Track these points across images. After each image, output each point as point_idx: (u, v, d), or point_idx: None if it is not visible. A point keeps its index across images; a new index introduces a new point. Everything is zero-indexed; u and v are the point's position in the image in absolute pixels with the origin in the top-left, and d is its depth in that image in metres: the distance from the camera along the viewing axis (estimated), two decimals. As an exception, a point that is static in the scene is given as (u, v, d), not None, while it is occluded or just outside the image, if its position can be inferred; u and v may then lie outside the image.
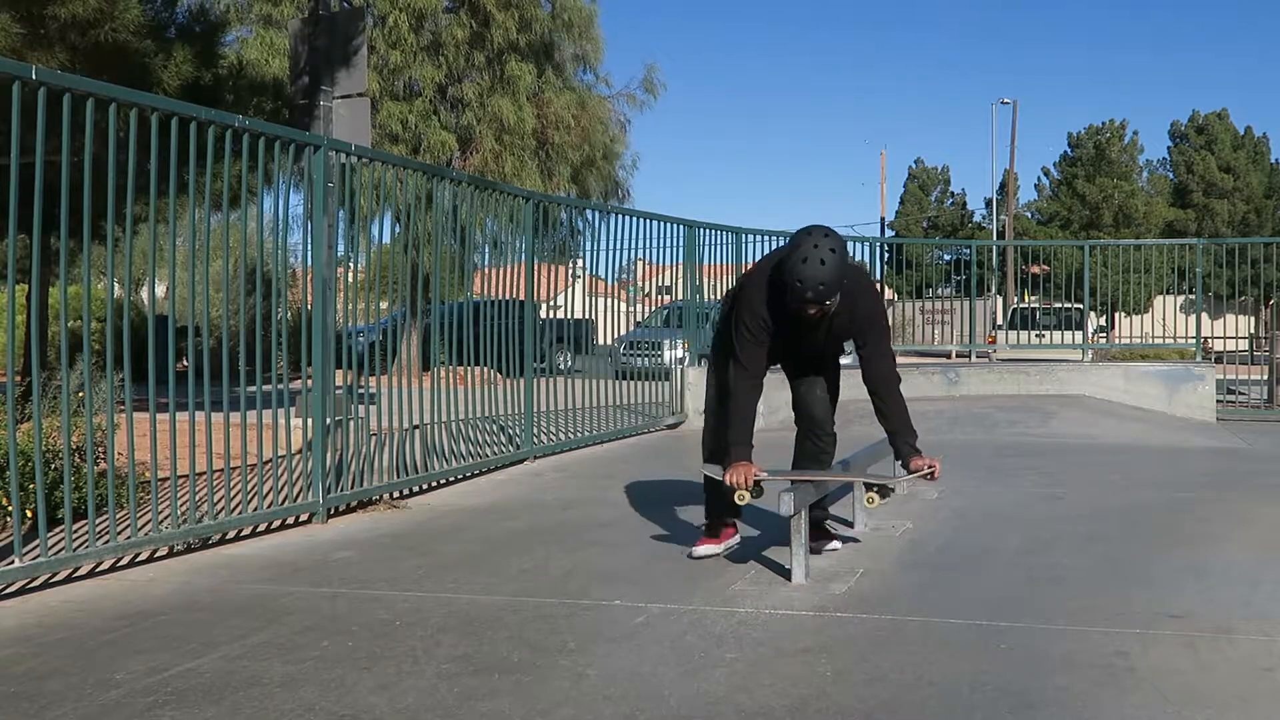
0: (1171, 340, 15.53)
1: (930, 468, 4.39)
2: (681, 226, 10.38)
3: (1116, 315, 22.25)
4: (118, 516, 4.68)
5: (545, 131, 19.29)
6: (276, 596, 4.08)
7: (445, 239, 7.16)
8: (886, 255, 25.64)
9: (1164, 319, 16.72)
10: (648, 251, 10.51)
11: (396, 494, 6.23)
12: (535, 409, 8.14)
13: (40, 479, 4.11)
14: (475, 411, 7.42)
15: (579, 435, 8.80)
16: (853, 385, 12.72)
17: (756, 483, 4.31)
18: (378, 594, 4.12)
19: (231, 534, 5.12)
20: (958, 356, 16.69)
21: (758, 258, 11.78)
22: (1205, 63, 75.00)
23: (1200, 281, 13.07)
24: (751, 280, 4.54)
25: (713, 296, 11.34)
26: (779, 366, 4.91)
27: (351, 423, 5.96)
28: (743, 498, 4.31)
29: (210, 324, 5.15)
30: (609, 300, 11.25)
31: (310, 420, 5.63)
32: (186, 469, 4.90)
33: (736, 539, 4.88)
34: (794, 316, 4.31)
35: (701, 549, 4.75)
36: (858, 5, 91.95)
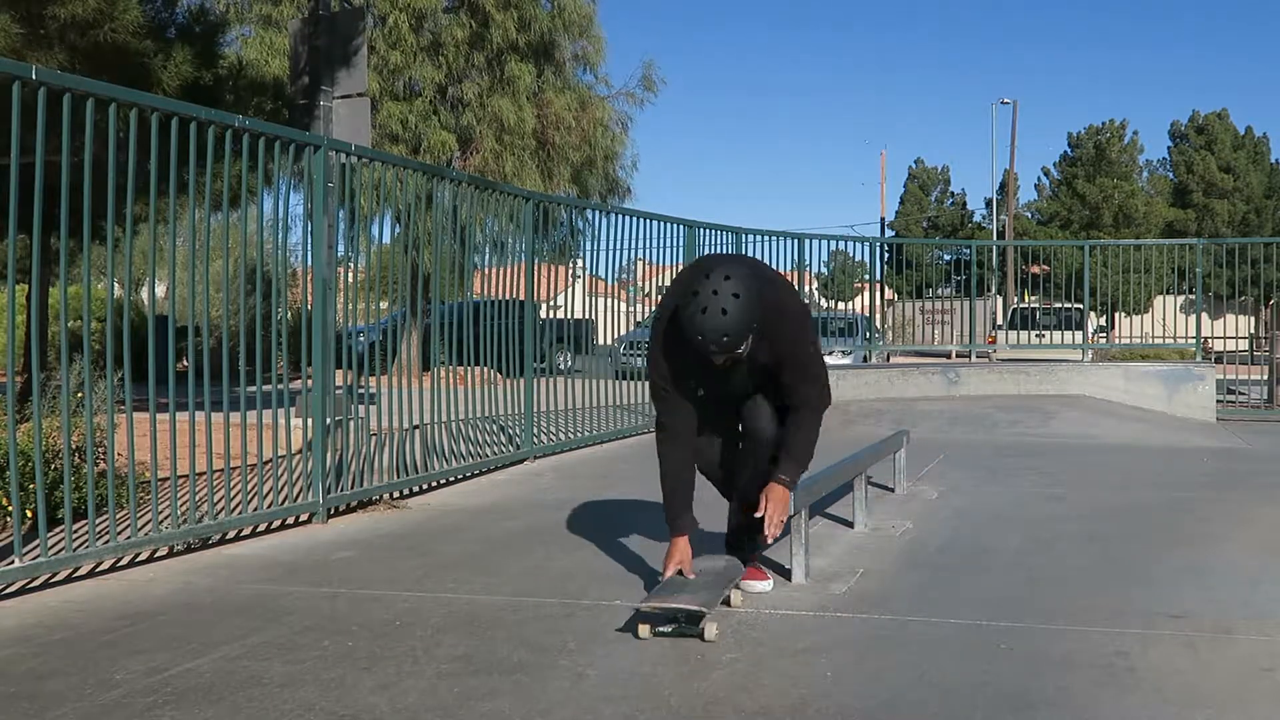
0: (1171, 340, 15.54)
1: (770, 518, 3.83)
2: (681, 226, 10.38)
3: (1116, 315, 22.25)
4: (118, 516, 4.68)
5: (545, 131, 19.29)
6: (276, 596, 4.08)
7: (445, 239, 7.16)
8: (886, 255, 25.66)
9: (1164, 319, 16.72)
10: (648, 251, 10.51)
11: (396, 494, 6.23)
12: (535, 409, 8.14)
13: (40, 479, 4.11)
14: (475, 411, 7.42)
15: (579, 435, 8.80)
16: (853, 384, 12.63)
17: None
18: (378, 594, 4.12)
19: (231, 534, 5.12)
20: (958, 356, 16.68)
21: (758, 258, 11.86)
22: (1205, 63, 75.09)
23: (1200, 281, 13.07)
24: (654, 326, 3.97)
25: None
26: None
27: (351, 423, 5.96)
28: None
29: (210, 324, 5.15)
30: (609, 300, 11.26)
31: (310, 420, 5.63)
32: (186, 469, 4.90)
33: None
34: (708, 360, 3.73)
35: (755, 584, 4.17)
36: (858, 5, 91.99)
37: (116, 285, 18.56)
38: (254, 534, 5.24)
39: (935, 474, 7.31)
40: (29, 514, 4.25)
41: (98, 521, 4.40)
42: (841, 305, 19.65)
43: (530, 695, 3.02)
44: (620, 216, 9.72)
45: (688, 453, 3.96)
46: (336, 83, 8.36)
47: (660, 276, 11.91)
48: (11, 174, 4.46)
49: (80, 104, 4.24)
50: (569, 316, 12.91)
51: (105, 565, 4.50)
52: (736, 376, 3.95)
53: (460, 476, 7.01)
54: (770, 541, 3.95)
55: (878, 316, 14.06)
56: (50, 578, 4.25)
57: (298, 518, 5.51)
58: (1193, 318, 13.38)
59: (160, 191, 4.67)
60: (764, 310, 3.66)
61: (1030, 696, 3.02)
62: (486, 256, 8.59)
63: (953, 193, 51.38)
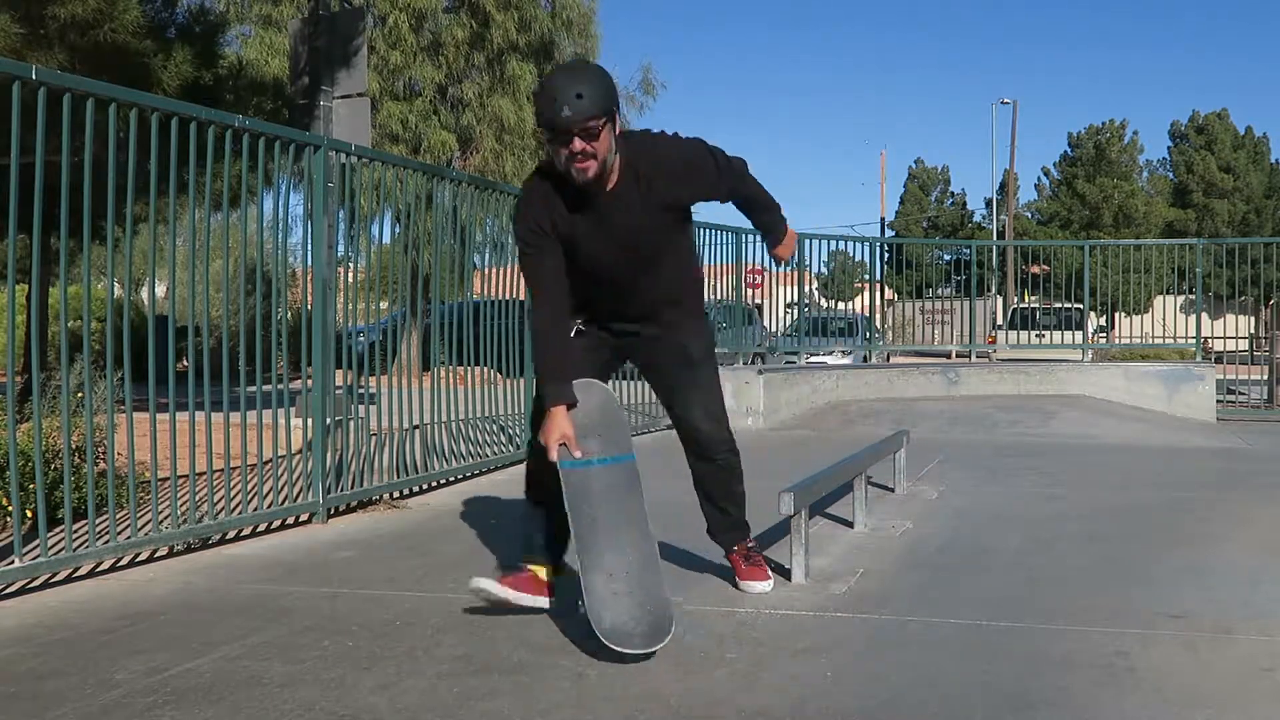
0: (1171, 340, 15.54)
1: (787, 251, 4.01)
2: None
3: (1116, 315, 22.24)
4: (118, 516, 4.68)
5: (545, 132, 19.27)
6: (276, 596, 4.08)
7: (445, 239, 7.16)
8: (886, 255, 25.65)
9: (1164, 319, 16.71)
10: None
11: (396, 494, 6.23)
12: (535, 409, 8.12)
13: (40, 479, 4.11)
14: (475, 411, 7.42)
15: (579, 435, 8.78)
16: (853, 384, 12.60)
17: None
18: (378, 594, 4.12)
19: (231, 534, 5.12)
20: (958, 356, 16.67)
21: (758, 258, 11.89)
22: (1205, 63, 75.22)
23: (1200, 281, 13.07)
24: (525, 183, 3.70)
25: (713, 296, 11.34)
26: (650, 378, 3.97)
27: (351, 423, 5.96)
28: (560, 457, 3.44)
29: (210, 324, 5.15)
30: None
31: (310, 420, 5.63)
32: (186, 469, 4.90)
33: (545, 600, 3.74)
34: (585, 204, 3.46)
35: (489, 584, 3.70)
36: (858, 5, 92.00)
37: (116, 285, 18.56)
38: (254, 534, 5.24)
39: (935, 474, 7.31)
40: (29, 514, 4.25)
41: (98, 521, 4.40)
42: (841, 305, 19.66)
43: (530, 695, 3.02)
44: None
45: (565, 316, 3.62)
46: (336, 83, 8.37)
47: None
48: (11, 174, 4.46)
49: (80, 104, 4.24)
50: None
51: (105, 565, 4.50)
52: (632, 234, 3.56)
53: (460, 476, 7.01)
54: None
55: (878, 316, 14.06)
56: (50, 578, 4.25)
57: (298, 518, 5.51)
58: (1193, 318, 13.38)
59: (160, 191, 4.66)
60: (645, 138, 3.59)
61: (1030, 696, 3.02)
62: (486, 256, 8.58)
63: (953, 193, 51.44)
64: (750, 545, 4.15)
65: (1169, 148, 47.08)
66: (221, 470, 5.89)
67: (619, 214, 3.52)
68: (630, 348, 3.88)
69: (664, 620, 3.33)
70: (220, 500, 5.33)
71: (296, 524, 5.46)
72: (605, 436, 3.51)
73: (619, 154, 3.48)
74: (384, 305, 12.41)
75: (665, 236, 3.65)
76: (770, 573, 4.18)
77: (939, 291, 20.40)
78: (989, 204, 46.47)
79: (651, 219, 3.58)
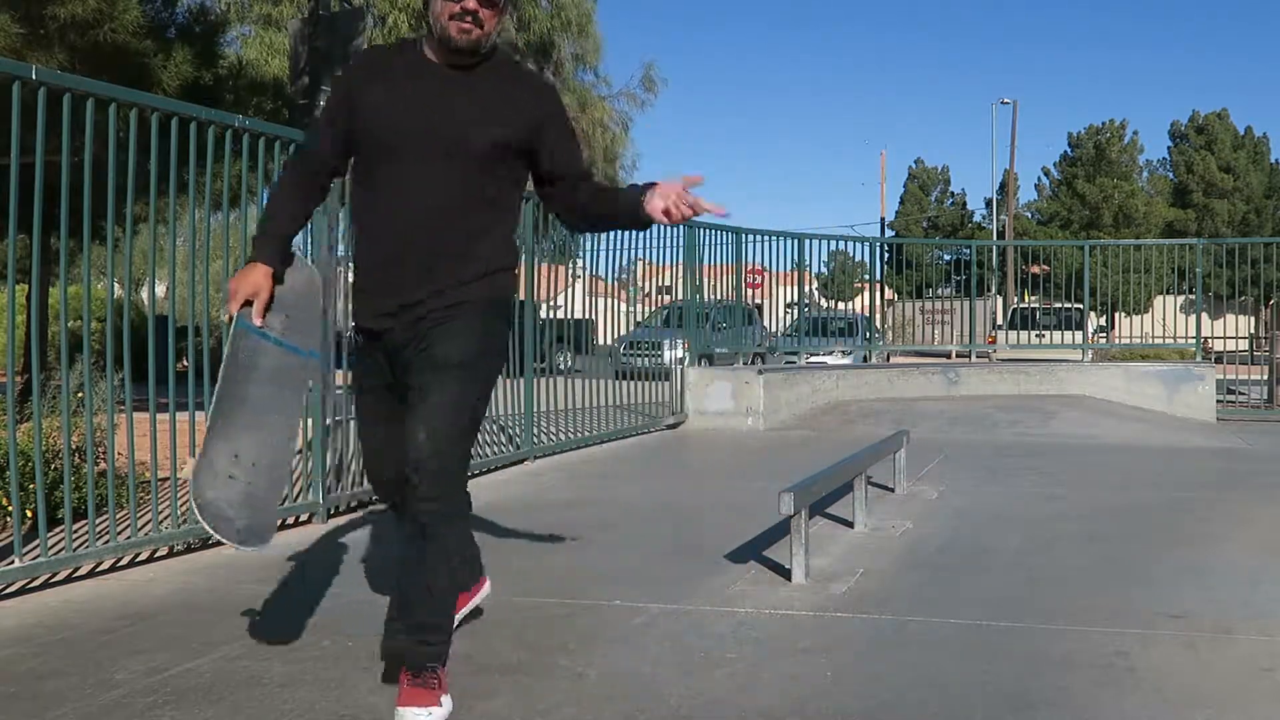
0: (1171, 340, 15.53)
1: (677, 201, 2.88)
2: (682, 226, 10.37)
3: (1116, 315, 22.24)
4: (118, 516, 4.68)
5: (545, 131, 19.31)
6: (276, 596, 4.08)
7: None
8: (886, 255, 25.65)
9: (1164, 319, 16.71)
10: (648, 251, 10.53)
11: (396, 494, 6.22)
12: (535, 409, 8.14)
13: (40, 479, 4.11)
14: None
15: (579, 435, 8.80)
16: (853, 384, 12.57)
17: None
18: (378, 594, 4.12)
19: (231, 534, 5.11)
20: (958, 356, 16.67)
21: (758, 258, 11.90)
22: (1205, 63, 75.29)
23: (1200, 281, 13.07)
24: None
25: (713, 296, 11.35)
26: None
27: (352, 423, 5.95)
28: (239, 314, 3.07)
29: (210, 324, 5.15)
30: (609, 300, 11.25)
31: (310, 420, 5.63)
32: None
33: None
34: (428, 78, 3.00)
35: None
36: (858, 5, 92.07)
37: (116, 285, 18.54)
38: (254, 534, 5.23)
39: (935, 474, 7.31)
40: (29, 514, 4.25)
41: (98, 521, 4.40)
42: (841, 305, 19.66)
43: (530, 695, 3.02)
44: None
45: (319, 186, 3.19)
46: (336, 83, 8.35)
47: (660, 276, 11.93)
48: (11, 174, 4.45)
49: (80, 104, 4.23)
50: (569, 316, 12.91)
51: (105, 565, 4.49)
52: (454, 114, 2.99)
53: (460, 476, 7.00)
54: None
55: (878, 316, 14.06)
56: (50, 578, 4.25)
57: (298, 518, 5.51)
58: (1193, 318, 13.38)
59: (160, 191, 4.66)
60: (537, 79, 3.27)
61: (1030, 696, 3.02)
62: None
63: (953, 193, 51.42)
64: (431, 668, 2.84)
65: (1169, 148, 47.09)
66: (221, 470, 5.88)
67: (460, 95, 2.99)
68: (402, 361, 3.11)
69: (265, 529, 2.99)
70: (220, 500, 5.32)
71: (296, 524, 5.46)
72: (292, 318, 3.12)
73: (492, 49, 3.07)
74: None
75: (488, 151, 2.99)
76: (441, 699, 2.82)
77: (939, 291, 20.41)
78: (989, 204, 46.48)
79: (488, 120, 2.99)
